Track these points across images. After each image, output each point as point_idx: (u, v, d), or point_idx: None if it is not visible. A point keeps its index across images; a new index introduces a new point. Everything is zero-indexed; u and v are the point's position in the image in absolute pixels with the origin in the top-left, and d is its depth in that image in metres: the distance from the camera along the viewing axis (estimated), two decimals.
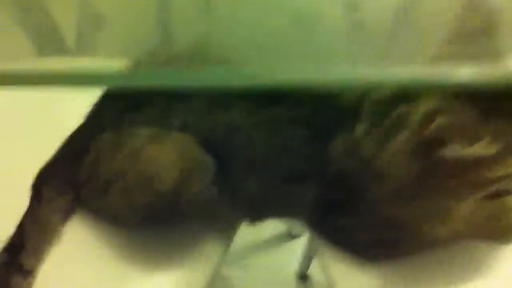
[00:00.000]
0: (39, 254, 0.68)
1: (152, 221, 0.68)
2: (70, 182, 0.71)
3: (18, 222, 0.69)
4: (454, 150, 0.57)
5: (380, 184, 0.65)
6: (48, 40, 0.96)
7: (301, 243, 1.37)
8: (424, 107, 0.59)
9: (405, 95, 0.61)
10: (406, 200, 0.64)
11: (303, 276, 1.34)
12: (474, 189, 0.62)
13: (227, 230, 0.77)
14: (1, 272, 0.66)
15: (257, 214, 0.74)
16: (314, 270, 1.32)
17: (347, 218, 0.71)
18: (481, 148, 0.57)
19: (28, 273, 0.67)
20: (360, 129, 0.65)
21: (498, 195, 0.63)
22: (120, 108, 0.69)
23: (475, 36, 0.61)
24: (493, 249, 0.72)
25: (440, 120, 0.58)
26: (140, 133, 0.66)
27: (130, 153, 0.65)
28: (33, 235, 0.68)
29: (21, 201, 0.70)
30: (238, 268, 1.33)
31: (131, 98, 0.69)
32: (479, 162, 0.58)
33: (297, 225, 1.35)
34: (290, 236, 1.41)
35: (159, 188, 0.64)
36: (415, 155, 0.61)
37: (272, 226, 1.38)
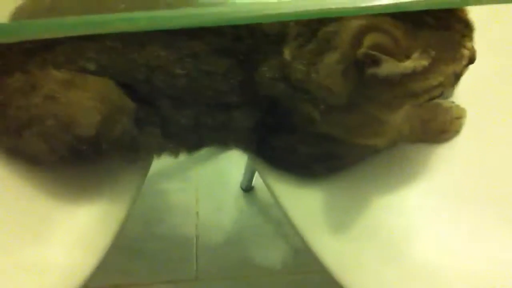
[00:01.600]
0: None
1: (72, 162, 0.69)
2: None
3: None
4: (388, 68, 0.57)
5: (313, 104, 0.66)
6: None
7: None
8: (353, 25, 0.59)
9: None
10: (340, 117, 0.66)
11: (247, 188, 1.37)
12: (408, 99, 0.63)
13: (146, 160, 0.78)
14: None
15: (191, 145, 0.75)
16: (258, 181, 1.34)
17: (284, 140, 0.73)
18: (414, 62, 0.58)
19: None
20: (287, 52, 0.65)
21: (430, 100, 0.64)
22: (30, 48, 0.66)
23: None
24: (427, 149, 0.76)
25: (371, 38, 0.58)
26: (55, 76, 0.65)
27: (46, 98, 0.64)
28: None
29: None
30: (182, 181, 1.36)
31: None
32: (413, 75, 0.59)
33: None
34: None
35: (80, 133, 0.65)
36: (348, 74, 0.61)
37: None
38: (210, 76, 0.67)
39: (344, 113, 0.65)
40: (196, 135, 0.73)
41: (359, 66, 0.59)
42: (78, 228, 0.70)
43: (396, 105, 0.65)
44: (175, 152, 0.75)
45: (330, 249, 0.69)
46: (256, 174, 1.32)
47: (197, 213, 1.33)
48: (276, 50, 0.66)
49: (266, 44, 0.67)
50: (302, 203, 0.73)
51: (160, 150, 0.74)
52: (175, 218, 1.33)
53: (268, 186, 0.76)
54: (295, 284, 1.25)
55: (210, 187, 1.38)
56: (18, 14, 0.65)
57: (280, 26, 0.66)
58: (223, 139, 0.75)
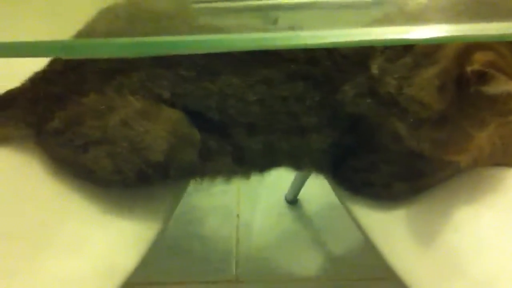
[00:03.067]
0: None
1: (134, 184, 0.70)
2: (23, 121, 0.71)
3: None
4: (499, 85, 0.57)
5: (402, 118, 0.65)
6: None
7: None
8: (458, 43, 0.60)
9: None
10: (429, 131, 0.65)
11: (292, 201, 1.37)
12: (498, 118, 0.63)
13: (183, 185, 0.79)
14: None
15: (263, 168, 0.75)
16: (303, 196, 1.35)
17: (364, 159, 0.72)
18: None
19: None
20: (374, 67, 0.66)
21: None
22: (105, 69, 0.69)
23: None
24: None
25: (482, 55, 0.58)
26: (132, 103, 0.67)
27: (122, 122, 0.66)
28: None
29: None
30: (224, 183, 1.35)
31: (116, 60, 0.69)
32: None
33: None
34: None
35: (150, 158, 0.67)
36: (444, 88, 0.61)
37: None
38: (284, 101, 0.68)
39: (434, 128, 0.65)
40: (269, 159, 0.73)
41: (460, 82, 0.59)
42: (108, 243, 0.71)
43: (488, 122, 0.64)
44: (246, 175, 0.75)
45: (410, 269, 0.70)
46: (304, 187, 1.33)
47: (238, 215, 1.34)
48: (360, 67, 0.67)
49: (347, 64, 0.67)
50: (384, 227, 0.73)
51: (229, 175, 0.75)
52: (216, 219, 1.34)
53: (346, 208, 0.76)
54: None
55: (252, 190, 1.39)
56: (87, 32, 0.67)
57: (361, 49, 0.67)
58: (297, 161, 0.75)
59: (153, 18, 0.71)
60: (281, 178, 1.37)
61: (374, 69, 0.66)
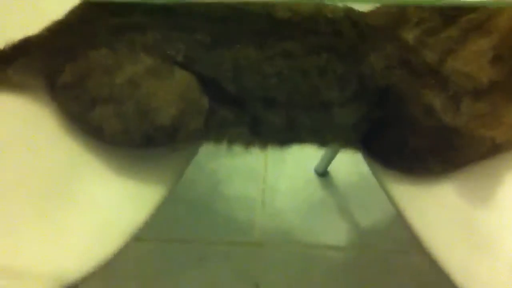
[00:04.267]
0: None
1: (141, 146, 0.68)
2: (41, 71, 0.69)
3: None
4: None
5: (440, 90, 0.63)
6: None
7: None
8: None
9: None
10: (469, 104, 0.62)
11: (322, 173, 1.34)
12: None
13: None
14: None
15: (284, 141, 0.72)
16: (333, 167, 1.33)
17: (396, 133, 0.69)
18: None
19: None
20: (410, 37, 0.63)
21: None
22: (118, 24, 0.66)
23: None
24: None
25: None
26: (142, 60, 0.64)
27: (129, 80, 0.64)
28: None
29: None
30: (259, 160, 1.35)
31: (132, 15, 0.66)
32: None
33: None
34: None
35: (156, 121, 0.65)
36: (497, 60, 0.59)
37: None
38: (305, 74, 0.65)
39: (475, 101, 0.62)
40: (291, 134, 0.70)
41: None
42: (113, 200, 0.70)
43: None
44: (263, 146, 0.72)
45: (441, 243, 0.68)
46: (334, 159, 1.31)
47: (264, 178, 1.33)
48: (389, 37, 0.64)
49: (374, 34, 0.65)
50: (417, 202, 0.71)
51: (246, 145, 0.72)
52: (242, 181, 1.33)
53: (377, 179, 0.74)
54: (351, 260, 1.24)
55: (280, 155, 1.37)
56: None
57: (388, 16, 0.65)
58: (321, 137, 0.71)
59: None
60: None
61: (410, 40, 0.63)
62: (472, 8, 0.61)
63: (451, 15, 0.62)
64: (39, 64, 0.69)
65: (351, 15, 0.67)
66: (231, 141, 0.71)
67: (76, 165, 0.70)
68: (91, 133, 0.70)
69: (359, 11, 0.68)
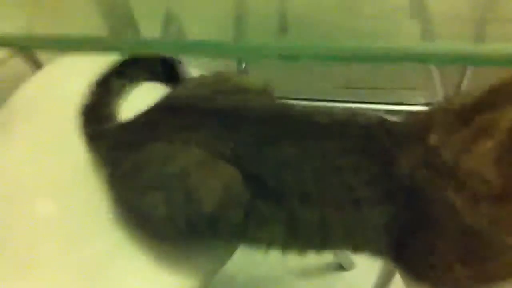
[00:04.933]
0: None
1: (184, 236, 0.72)
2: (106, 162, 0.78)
3: None
4: None
5: (459, 191, 0.63)
6: (121, 24, 0.98)
7: (352, 276, 1.30)
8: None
9: (484, 103, 0.62)
10: (488, 208, 0.62)
11: None
12: None
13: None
14: None
15: (319, 245, 0.74)
16: None
17: (424, 238, 0.68)
18: None
19: None
20: (434, 138, 0.65)
21: None
22: (178, 125, 0.74)
23: None
24: None
25: None
26: (193, 153, 0.70)
27: (180, 170, 0.70)
28: None
29: None
30: None
31: (190, 117, 0.74)
32: None
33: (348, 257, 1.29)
34: (340, 267, 1.32)
35: (200, 209, 0.69)
36: (504, 162, 0.59)
37: None
38: (339, 172, 0.68)
39: (493, 204, 0.62)
40: (323, 234, 0.71)
41: None
42: None
43: None
44: (301, 252, 0.73)
45: None
46: None
47: None
48: (417, 141, 0.66)
49: (404, 139, 0.67)
50: None
51: (283, 247, 0.73)
52: None
53: None
54: None
55: None
56: None
57: (417, 122, 0.68)
58: (352, 240, 0.72)
59: (237, 91, 0.79)
60: None
61: (433, 140, 0.65)
62: (484, 108, 0.62)
63: (469, 116, 0.63)
64: (105, 155, 0.78)
65: (383, 122, 0.70)
66: (269, 242, 0.72)
67: (117, 255, 0.74)
68: (139, 223, 0.75)
69: (390, 120, 0.71)
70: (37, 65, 1.09)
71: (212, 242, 0.75)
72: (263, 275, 1.29)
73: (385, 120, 0.71)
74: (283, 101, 0.76)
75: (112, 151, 0.77)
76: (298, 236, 0.72)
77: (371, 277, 1.12)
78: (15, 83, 0.92)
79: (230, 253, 0.78)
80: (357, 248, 0.73)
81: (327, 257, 1.31)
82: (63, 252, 0.73)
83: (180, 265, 0.74)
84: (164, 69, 0.90)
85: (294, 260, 0.77)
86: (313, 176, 0.69)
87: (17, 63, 1.08)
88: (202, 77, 0.84)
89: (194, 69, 0.90)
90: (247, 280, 1.28)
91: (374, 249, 0.73)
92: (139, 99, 0.84)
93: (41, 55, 1.10)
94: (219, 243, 0.77)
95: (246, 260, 1.26)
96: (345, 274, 1.31)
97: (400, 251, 0.71)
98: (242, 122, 0.73)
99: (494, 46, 0.57)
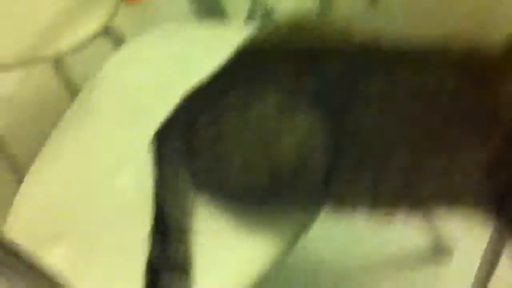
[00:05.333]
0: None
1: (268, 197, 0.67)
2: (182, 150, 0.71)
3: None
4: None
5: None
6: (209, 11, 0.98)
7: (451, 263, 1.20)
8: None
9: None
10: None
11: None
12: None
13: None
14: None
15: (409, 204, 0.65)
16: None
17: None
18: None
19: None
20: None
21: None
22: (250, 67, 0.68)
23: None
24: None
25: None
26: (270, 97, 0.65)
27: (256, 117, 0.65)
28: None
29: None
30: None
31: (263, 56, 0.69)
32: None
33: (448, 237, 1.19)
34: (437, 252, 1.19)
35: (279, 159, 0.64)
36: None
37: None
38: (439, 114, 0.62)
39: None
40: (413, 185, 0.63)
41: None
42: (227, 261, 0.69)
43: None
44: (390, 213, 0.66)
45: None
46: None
47: None
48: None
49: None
50: None
51: (371, 206, 0.66)
52: None
53: None
54: None
55: None
56: None
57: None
58: (446, 189, 0.63)
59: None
60: None
61: None
62: None
63: None
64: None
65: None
66: (353, 200, 0.66)
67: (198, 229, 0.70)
68: (218, 186, 0.70)
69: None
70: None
71: (292, 206, 0.70)
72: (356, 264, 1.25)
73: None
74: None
75: (188, 114, 0.72)
76: (387, 190, 0.64)
77: (473, 263, 1.04)
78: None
79: (312, 218, 0.73)
80: (452, 202, 0.64)
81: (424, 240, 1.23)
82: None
83: (261, 232, 0.70)
84: None
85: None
86: (407, 114, 0.62)
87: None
88: (275, 27, 0.75)
89: None
90: (338, 271, 1.24)
91: (473, 202, 0.64)
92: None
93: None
94: (301, 205, 0.71)
95: (338, 248, 1.23)
96: (442, 261, 1.20)
97: (505, 199, 0.61)
98: (325, 56, 0.66)
99: None
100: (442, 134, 0.61)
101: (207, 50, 0.84)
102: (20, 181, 0.80)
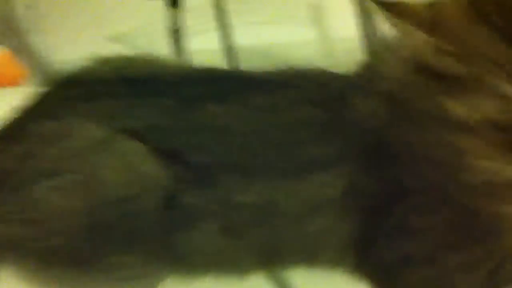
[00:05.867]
0: None
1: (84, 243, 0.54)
2: None
3: None
4: None
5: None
6: None
7: None
8: None
9: None
10: None
11: None
12: None
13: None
14: None
15: (263, 254, 0.56)
16: None
17: (397, 216, 0.50)
18: None
19: None
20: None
21: None
22: (72, 96, 0.58)
23: None
24: None
25: None
26: (91, 132, 0.54)
27: (74, 153, 0.54)
28: None
29: None
30: None
31: (90, 86, 0.58)
32: None
33: None
34: None
35: (102, 194, 0.53)
36: None
37: None
38: (285, 128, 0.54)
39: None
40: (266, 232, 0.54)
41: None
42: None
43: None
44: (241, 270, 0.57)
45: None
46: None
47: None
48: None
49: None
50: None
51: (216, 258, 0.56)
52: None
53: None
54: None
55: None
56: None
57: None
58: (309, 247, 0.55)
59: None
60: None
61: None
62: None
63: None
64: None
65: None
66: (198, 251, 0.55)
67: None
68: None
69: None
70: None
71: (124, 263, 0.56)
72: None
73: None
74: None
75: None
76: (235, 235, 0.54)
77: None
78: None
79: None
80: (312, 257, 0.55)
81: None
82: None
83: None
84: None
85: None
86: (252, 139, 0.53)
87: None
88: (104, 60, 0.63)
89: None
90: None
91: (335, 256, 0.55)
92: None
93: None
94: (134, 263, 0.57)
95: None
96: None
97: (364, 245, 0.53)
98: (157, 87, 0.57)
99: None
100: (298, 145, 0.54)
101: None
102: None
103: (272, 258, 0.56)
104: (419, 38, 0.43)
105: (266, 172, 0.53)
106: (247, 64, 0.70)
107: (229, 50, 0.78)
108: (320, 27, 0.76)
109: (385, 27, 0.46)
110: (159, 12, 0.78)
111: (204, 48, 0.78)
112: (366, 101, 0.51)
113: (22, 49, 0.82)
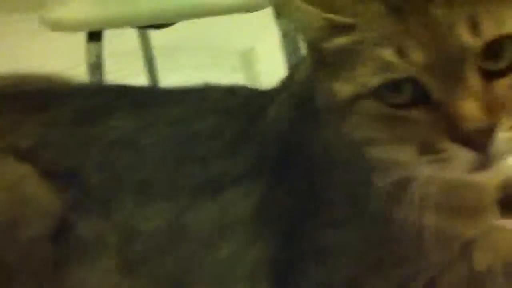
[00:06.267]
0: None
1: None
2: None
3: None
4: None
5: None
6: None
7: None
8: None
9: None
10: None
11: None
12: None
13: None
14: None
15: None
16: None
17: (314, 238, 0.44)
18: None
19: None
20: None
21: None
22: None
23: None
24: None
25: None
26: None
27: None
28: None
29: None
30: None
31: None
32: None
33: None
34: None
35: None
36: None
37: None
38: (190, 141, 0.50)
39: None
40: (171, 262, 0.48)
41: None
42: None
43: None
44: None
45: None
46: None
47: None
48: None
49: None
50: None
51: None
52: None
53: None
54: None
55: None
56: None
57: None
58: (219, 276, 0.49)
59: None
60: None
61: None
62: None
63: None
64: None
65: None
66: (93, 285, 0.48)
67: None
68: None
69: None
70: None
71: None
72: None
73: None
74: None
75: None
76: (137, 269, 0.48)
77: None
78: None
79: None
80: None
81: None
82: None
83: None
84: None
85: None
86: (157, 154, 0.49)
87: None
88: None
89: None
90: None
91: (248, 285, 0.48)
92: None
93: None
94: None
95: None
96: None
97: (278, 272, 0.47)
98: (46, 100, 0.52)
99: None
100: (206, 160, 0.49)
101: None
102: None
103: None
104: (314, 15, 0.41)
105: (172, 191, 0.48)
106: None
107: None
108: (250, 72, 0.75)
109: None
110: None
111: None
112: (278, 107, 0.48)
113: None
